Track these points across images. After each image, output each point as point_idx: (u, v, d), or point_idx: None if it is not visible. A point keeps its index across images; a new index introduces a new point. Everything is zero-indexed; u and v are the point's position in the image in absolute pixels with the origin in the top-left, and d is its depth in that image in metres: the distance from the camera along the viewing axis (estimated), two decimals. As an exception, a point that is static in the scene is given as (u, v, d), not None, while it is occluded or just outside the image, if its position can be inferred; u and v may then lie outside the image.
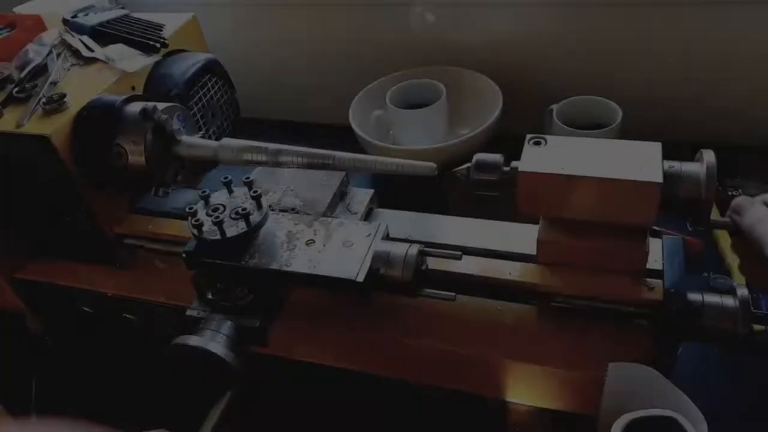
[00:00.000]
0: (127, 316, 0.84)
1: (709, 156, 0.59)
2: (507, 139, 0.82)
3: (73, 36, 0.87)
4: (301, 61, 1.25)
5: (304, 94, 1.29)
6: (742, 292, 0.60)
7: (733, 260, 0.82)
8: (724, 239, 0.84)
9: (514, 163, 0.62)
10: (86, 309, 0.86)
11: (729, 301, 0.61)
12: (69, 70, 0.82)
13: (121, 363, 0.87)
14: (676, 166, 0.60)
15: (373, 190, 0.76)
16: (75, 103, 0.74)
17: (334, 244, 0.64)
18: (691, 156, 0.62)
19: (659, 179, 0.57)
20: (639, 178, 0.57)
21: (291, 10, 1.18)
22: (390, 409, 0.74)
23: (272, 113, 1.34)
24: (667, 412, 0.55)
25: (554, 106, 0.98)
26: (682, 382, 0.70)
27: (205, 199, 0.68)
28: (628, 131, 0.92)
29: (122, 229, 0.81)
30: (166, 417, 0.79)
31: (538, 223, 0.67)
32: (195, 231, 0.64)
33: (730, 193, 0.81)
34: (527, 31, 1.06)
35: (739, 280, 0.80)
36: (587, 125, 0.97)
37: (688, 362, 0.72)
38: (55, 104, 0.73)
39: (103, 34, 0.86)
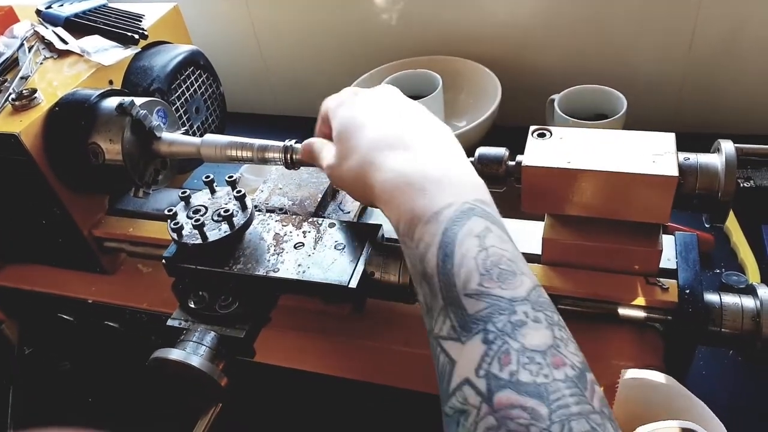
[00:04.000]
0: (110, 323, 0.79)
1: (728, 147, 0.55)
2: (506, 131, 0.78)
3: (47, 28, 0.82)
4: (291, 52, 1.20)
5: (294, 86, 1.25)
6: (764, 292, 0.56)
7: (745, 255, 0.78)
8: (737, 234, 0.80)
9: (519, 157, 0.58)
10: (66, 317, 0.81)
11: (748, 301, 0.57)
12: (41, 63, 0.77)
13: (103, 373, 0.83)
14: (692, 158, 0.56)
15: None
16: (47, 98, 0.70)
17: (325, 246, 0.60)
18: (698, 147, 0.58)
19: (675, 173, 0.53)
20: (653, 171, 0.53)
21: (279, -1, 1.13)
22: (387, 419, 0.70)
23: (261, 107, 1.29)
24: (686, 423, 0.51)
25: (556, 96, 0.94)
26: (697, 382, 0.66)
27: (186, 199, 0.64)
28: (632, 121, 0.88)
29: (102, 231, 0.77)
30: (151, 428, 0.76)
31: (542, 221, 0.63)
32: (175, 235, 0.60)
33: (741, 184, 0.77)
34: (526, 17, 1.02)
35: (752, 276, 0.76)
36: (590, 116, 0.93)
37: (703, 362, 0.69)
38: (26, 100, 0.69)
39: (78, 26, 0.82)
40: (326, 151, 0.55)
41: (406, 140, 0.48)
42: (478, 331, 0.37)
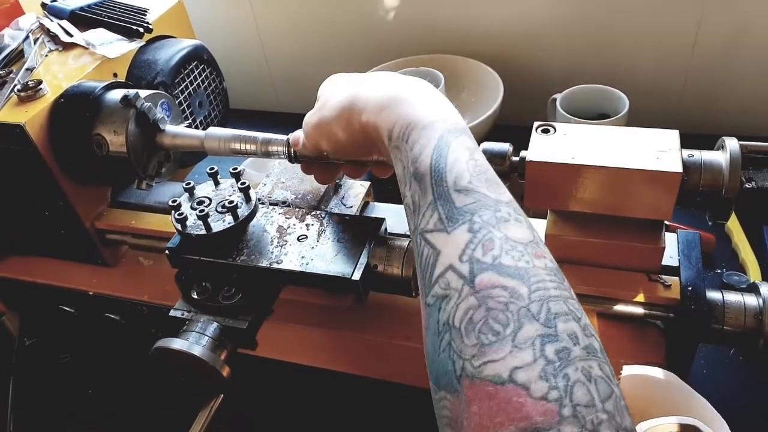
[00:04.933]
0: (110, 315, 0.79)
1: (732, 144, 0.55)
2: (508, 130, 0.78)
3: (52, 20, 0.82)
4: (293, 49, 1.21)
5: (296, 83, 1.25)
6: (766, 290, 0.56)
7: (747, 255, 0.78)
8: (738, 235, 0.80)
9: (523, 153, 0.58)
10: (67, 309, 0.81)
11: (751, 299, 0.57)
12: (47, 56, 0.77)
13: (103, 365, 0.83)
14: (696, 155, 0.56)
15: (369, 183, 0.72)
16: (52, 90, 0.70)
17: (328, 239, 0.60)
18: (700, 148, 0.58)
19: (679, 169, 0.53)
20: (657, 168, 0.53)
21: (283, -4, 1.14)
22: (387, 415, 0.70)
23: (263, 104, 1.29)
24: (688, 419, 0.51)
25: (558, 95, 0.94)
26: (699, 381, 0.66)
27: (190, 191, 0.64)
28: (634, 122, 0.88)
29: (104, 224, 0.77)
30: (151, 421, 0.76)
31: (545, 217, 0.63)
32: (179, 226, 0.60)
33: (745, 185, 0.77)
34: (529, 16, 1.02)
35: (753, 277, 0.76)
36: (592, 115, 0.94)
37: (704, 360, 0.69)
38: (31, 91, 0.69)
39: (83, 19, 0.82)
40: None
41: (393, 81, 0.51)
42: (464, 221, 0.38)
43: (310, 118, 0.55)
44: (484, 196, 0.40)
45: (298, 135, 0.59)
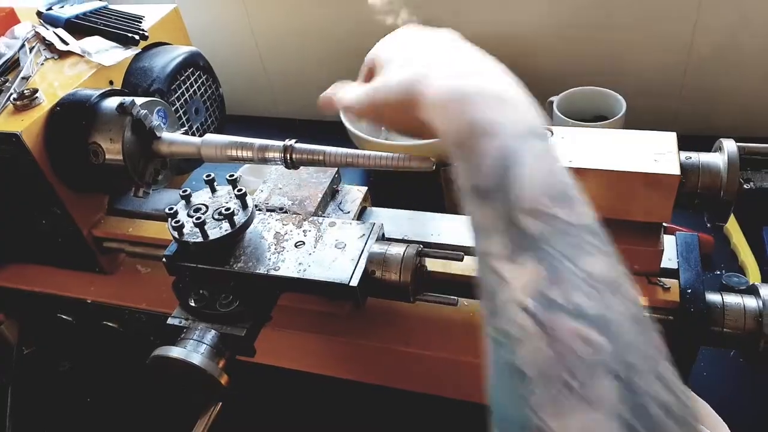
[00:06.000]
0: (109, 324, 0.79)
1: (730, 145, 0.55)
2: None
3: (48, 29, 0.82)
4: (290, 54, 1.20)
5: (292, 88, 1.25)
6: (766, 292, 0.56)
7: (746, 257, 0.78)
8: (737, 236, 0.80)
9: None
10: (65, 317, 0.81)
11: (751, 301, 0.57)
12: (42, 64, 0.77)
13: (102, 373, 0.82)
14: (694, 157, 0.56)
15: (366, 188, 0.72)
16: (48, 98, 0.70)
17: (326, 245, 0.60)
18: (698, 149, 0.58)
19: (677, 171, 0.53)
20: (655, 170, 0.53)
21: (278, 0, 1.13)
22: (387, 420, 0.70)
23: (260, 109, 1.29)
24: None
25: (554, 98, 0.94)
26: (699, 383, 0.66)
27: (186, 198, 0.64)
28: (631, 124, 0.88)
29: (101, 232, 0.76)
30: (150, 428, 0.75)
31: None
32: (175, 233, 0.60)
33: (743, 186, 0.77)
34: (524, 19, 1.02)
35: (753, 278, 0.76)
36: (589, 118, 0.93)
37: (704, 363, 0.69)
38: (27, 100, 0.69)
39: (79, 27, 0.82)
40: (355, 84, 0.55)
41: (464, 63, 0.47)
42: (534, 250, 0.34)
43: (379, 84, 0.51)
44: (561, 221, 0.35)
45: (350, 95, 0.55)
